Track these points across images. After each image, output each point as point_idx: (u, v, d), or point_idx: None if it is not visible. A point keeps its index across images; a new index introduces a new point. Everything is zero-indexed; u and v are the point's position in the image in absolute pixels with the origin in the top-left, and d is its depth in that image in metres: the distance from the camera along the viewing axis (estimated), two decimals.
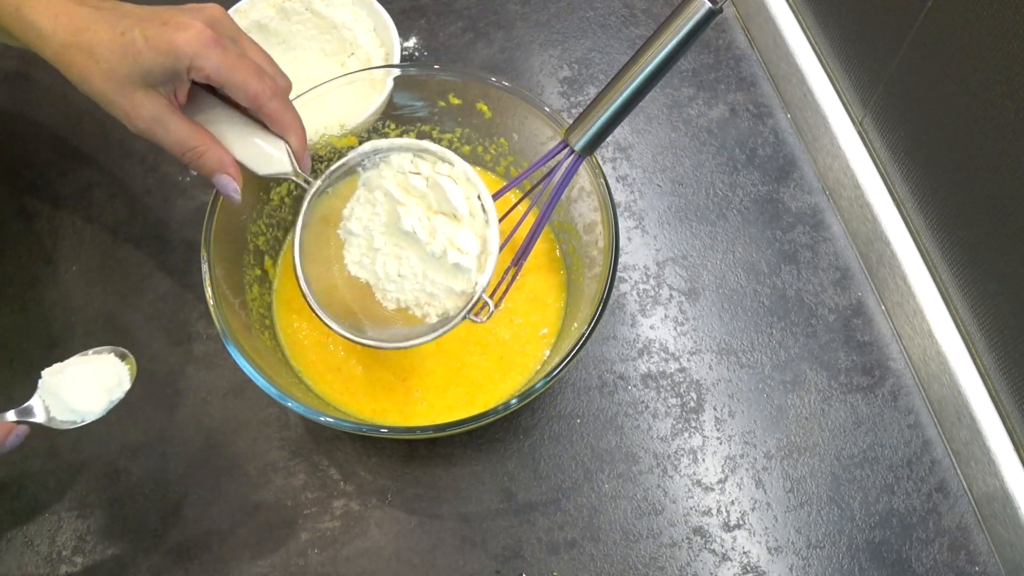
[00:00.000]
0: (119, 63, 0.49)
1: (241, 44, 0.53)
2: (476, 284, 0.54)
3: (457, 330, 0.62)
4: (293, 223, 0.60)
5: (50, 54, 0.50)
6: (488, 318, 0.55)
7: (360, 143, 0.67)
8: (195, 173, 0.72)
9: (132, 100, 0.49)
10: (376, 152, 0.56)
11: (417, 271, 0.55)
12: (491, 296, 0.62)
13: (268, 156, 0.54)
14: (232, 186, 0.53)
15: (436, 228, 0.54)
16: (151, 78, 0.49)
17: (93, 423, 0.62)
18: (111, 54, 0.49)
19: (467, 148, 0.68)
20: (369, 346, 0.54)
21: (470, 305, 0.54)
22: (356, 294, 0.56)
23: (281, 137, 0.54)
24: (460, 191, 0.55)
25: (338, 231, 0.57)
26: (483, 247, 0.54)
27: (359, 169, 0.57)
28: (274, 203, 0.64)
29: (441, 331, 0.54)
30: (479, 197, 0.55)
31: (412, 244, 0.55)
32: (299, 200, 0.56)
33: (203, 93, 0.54)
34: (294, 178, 0.54)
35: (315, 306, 0.54)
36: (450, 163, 0.55)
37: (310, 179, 0.55)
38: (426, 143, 0.56)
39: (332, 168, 0.56)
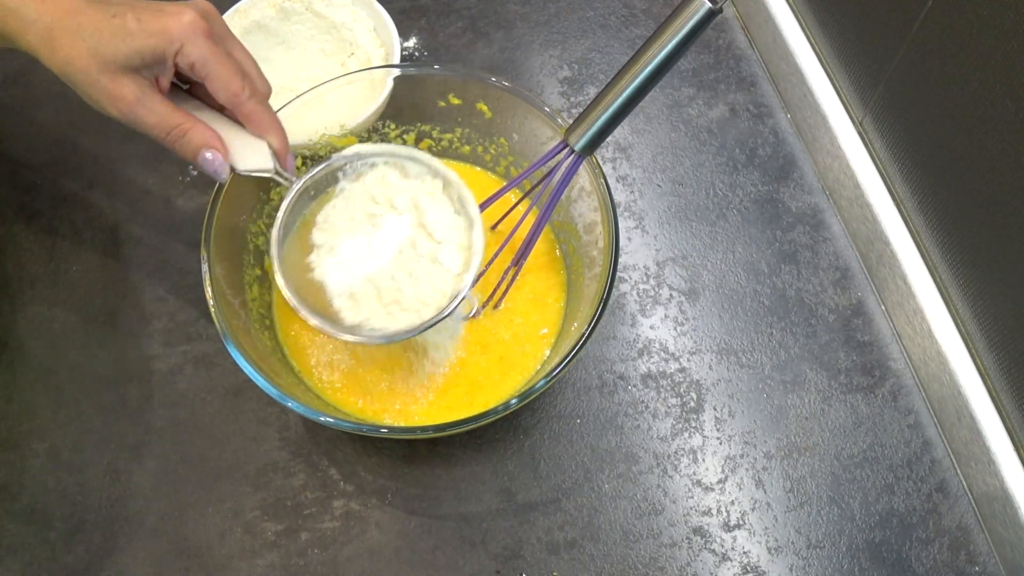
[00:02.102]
0: (108, 42, 0.49)
1: (228, 43, 0.53)
2: (463, 283, 0.53)
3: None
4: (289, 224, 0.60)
5: (32, 39, 0.49)
6: (471, 316, 0.54)
7: (360, 143, 0.67)
8: (195, 172, 0.72)
9: (116, 81, 0.49)
10: (359, 157, 0.56)
11: (387, 280, 0.54)
12: (491, 296, 0.62)
13: (249, 153, 0.54)
14: (219, 160, 0.52)
15: (416, 242, 0.54)
16: (137, 60, 0.49)
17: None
18: (100, 34, 0.49)
19: (467, 148, 0.68)
20: (353, 341, 0.54)
21: (456, 303, 0.53)
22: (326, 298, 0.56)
23: (261, 137, 0.54)
24: (441, 214, 0.55)
25: (310, 237, 0.57)
26: (468, 252, 0.54)
27: (340, 175, 0.57)
28: (274, 203, 0.64)
29: (424, 327, 0.53)
30: (459, 199, 0.55)
31: (388, 254, 0.55)
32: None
33: (183, 93, 0.54)
34: (275, 176, 0.54)
35: (293, 300, 0.53)
36: (425, 165, 0.56)
37: (292, 178, 0.55)
38: (408, 149, 0.56)
39: (315, 170, 0.56)
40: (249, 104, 0.52)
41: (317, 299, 0.55)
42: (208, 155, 0.52)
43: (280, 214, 0.55)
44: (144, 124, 0.51)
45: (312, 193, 0.57)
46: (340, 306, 0.54)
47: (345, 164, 0.56)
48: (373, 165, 0.56)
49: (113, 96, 0.50)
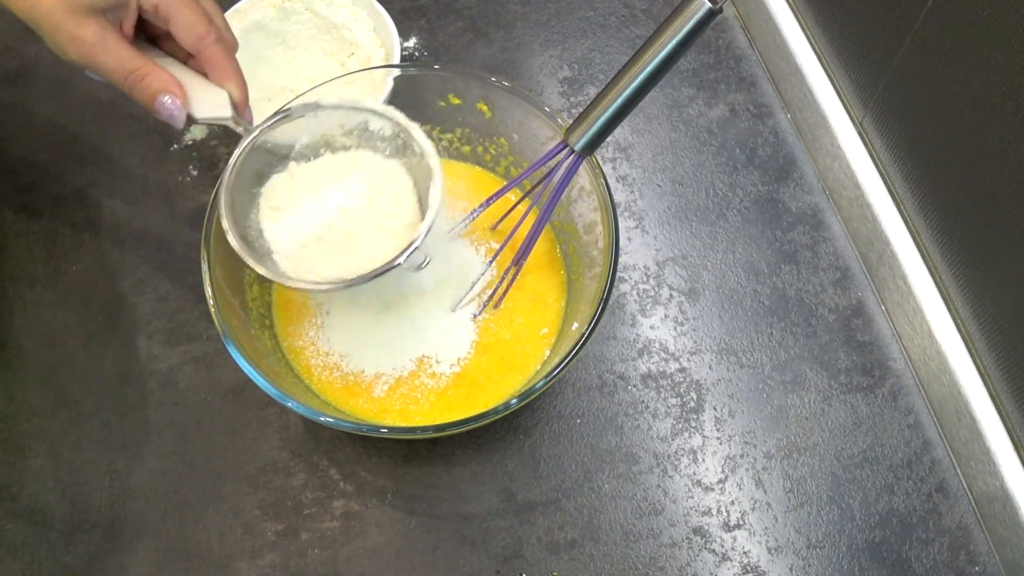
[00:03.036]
0: None
1: None
2: (417, 233, 0.52)
3: None
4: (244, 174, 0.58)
5: None
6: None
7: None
8: (195, 172, 0.72)
9: (79, 22, 0.49)
10: (318, 107, 0.55)
11: (339, 234, 0.54)
12: (491, 296, 0.62)
13: (208, 101, 0.53)
14: (176, 106, 0.52)
15: (372, 198, 0.54)
16: (101, 0, 0.49)
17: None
18: None
19: (467, 148, 0.68)
20: (300, 288, 0.53)
21: (409, 251, 0.52)
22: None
23: (222, 86, 0.53)
24: (400, 172, 0.55)
25: (267, 192, 0.56)
26: (424, 205, 0.54)
27: (300, 132, 0.56)
28: None
29: (374, 274, 0.52)
30: (422, 154, 0.55)
31: (343, 211, 0.55)
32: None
33: (147, 44, 0.54)
34: (232, 125, 0.53)
35: (239, 246, 0.53)
36: (388, 119, 0.55)
37: (249, 128, 0.54)
38: (370, 102, 0.55)
39: (272, 119, 0.55)
40: (213, 48, 0.52)
41: (264, 250, 0.55)
42: (166, 100, 0.51)
43: (233, 160, 0.54)
44: (103, 67, 0.50)
45: (269, 146, 0.57)
46: (290, 257, 0.54)
47: (304, 115, 0.56)
48: (332, 133, 0.56)
49: (74, 38, 0.49)
